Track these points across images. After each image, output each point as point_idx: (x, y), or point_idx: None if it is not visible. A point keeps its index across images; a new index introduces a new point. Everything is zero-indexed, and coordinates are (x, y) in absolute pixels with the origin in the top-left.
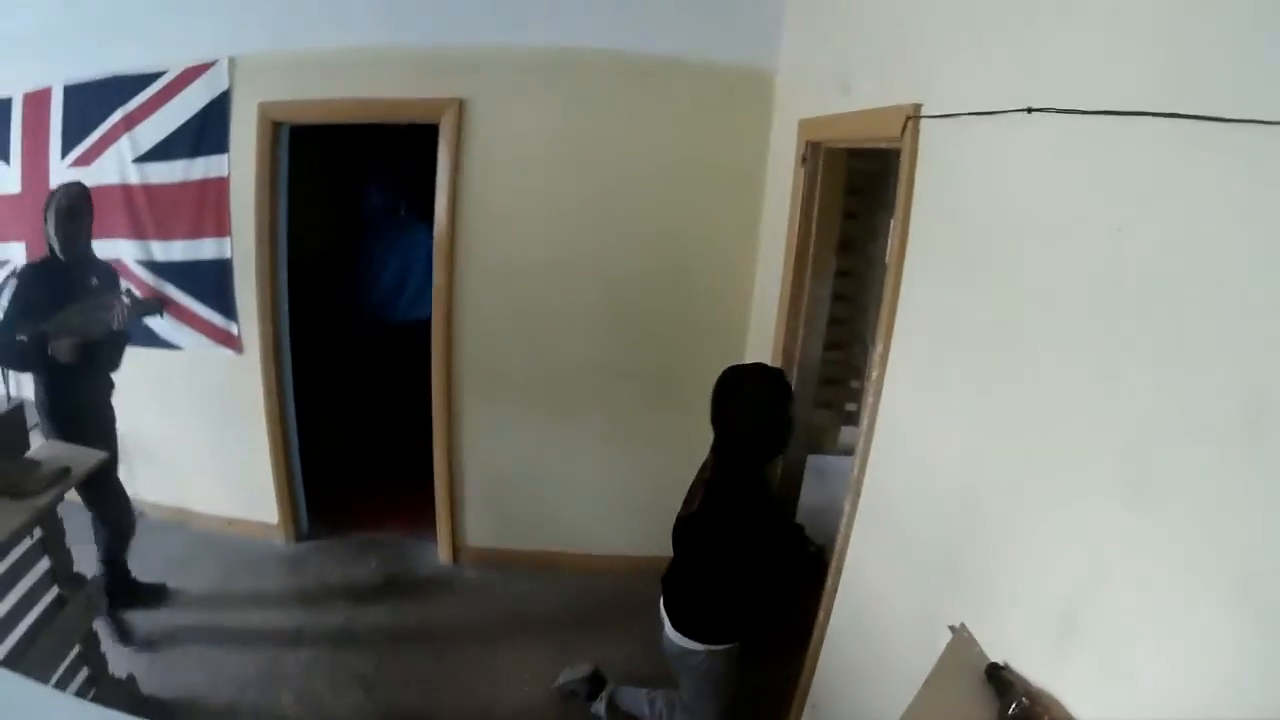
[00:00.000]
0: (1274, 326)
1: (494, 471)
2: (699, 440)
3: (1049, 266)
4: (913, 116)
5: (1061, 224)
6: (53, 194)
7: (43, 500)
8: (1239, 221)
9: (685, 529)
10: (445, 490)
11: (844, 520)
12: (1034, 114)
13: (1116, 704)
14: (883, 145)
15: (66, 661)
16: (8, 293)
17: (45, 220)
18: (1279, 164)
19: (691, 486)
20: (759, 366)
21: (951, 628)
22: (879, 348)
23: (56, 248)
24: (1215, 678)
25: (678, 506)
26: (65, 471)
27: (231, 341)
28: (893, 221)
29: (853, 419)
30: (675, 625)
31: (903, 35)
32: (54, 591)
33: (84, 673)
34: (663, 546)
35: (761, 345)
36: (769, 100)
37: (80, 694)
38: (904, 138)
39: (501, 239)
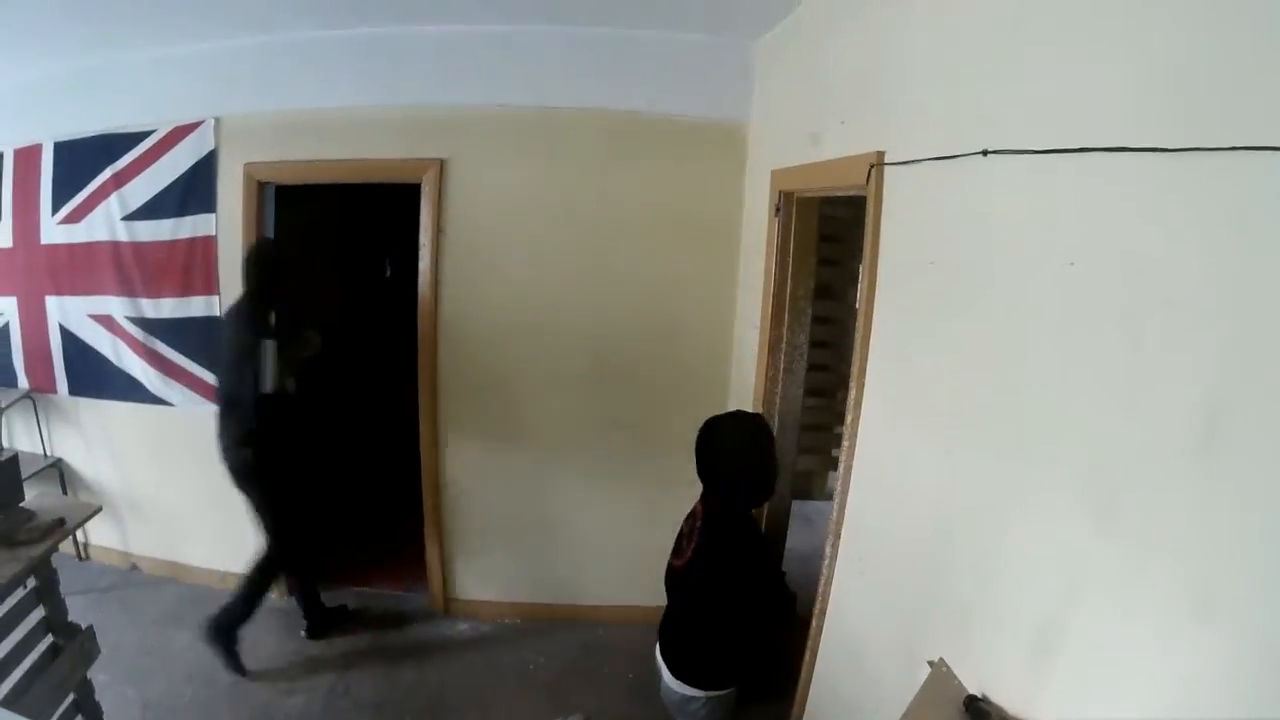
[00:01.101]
0: (1220, 348)
1: (483, 525)
2: (687, 488)
3: (1009, 302)
4: (876, 164)
5: (1019, 260)
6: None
7: (37, 550)
8: (1185, 247)
9: (680, 578)
10: (435, 542)
11: (826, 562)
12: (989, 156)
13: None
14: (851, 193)
15: (60, 710)
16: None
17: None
18: (1221, 188)
19: (680, 535)
20: (737, 413)
21: (930, 662)
22: (853, 391)
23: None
24: (1181, 692)
25: (666, 553)
26: (60, 522)
27: None
28: (861, 267)
29: (836, 464)
30: (675, 673)
31: (867, 87)
32: (48, 640)
33: None
34: (654, 595)
35: (743, 392)
36: (742, 152)
37: None
38: (869, 184)
39: (484, 293)
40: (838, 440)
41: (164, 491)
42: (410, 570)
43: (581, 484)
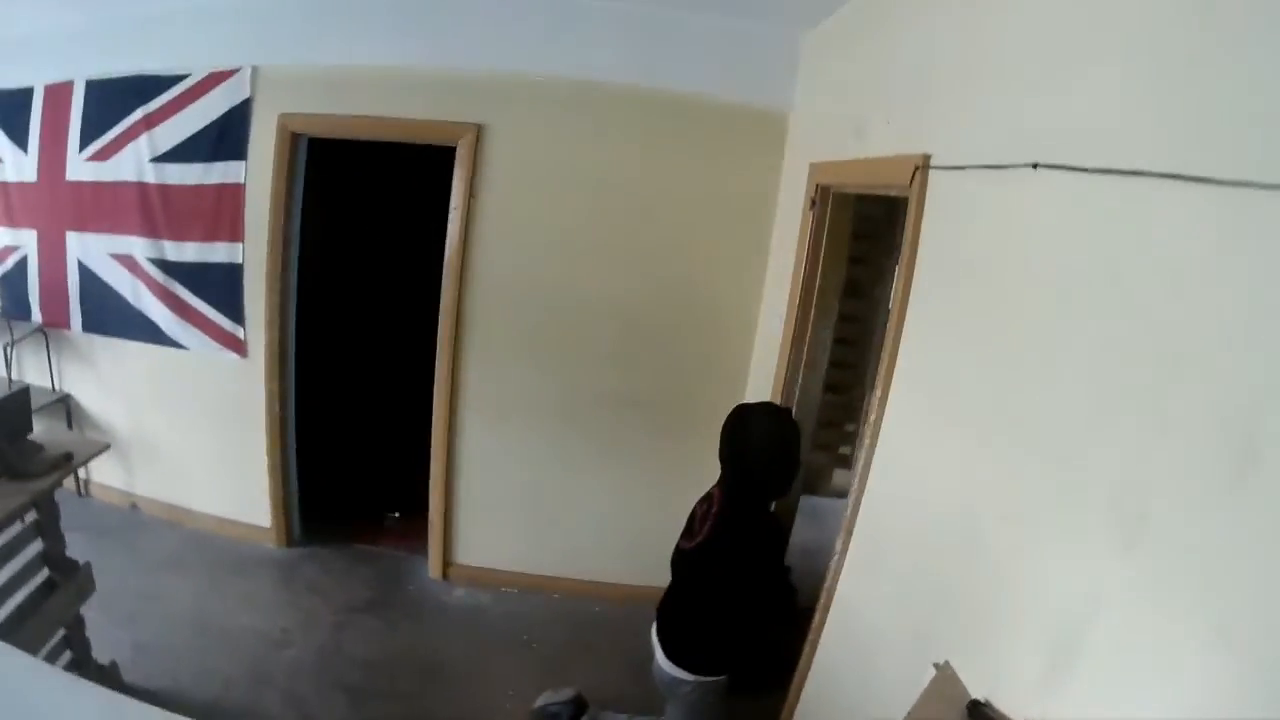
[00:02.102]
0: (1260, 376)
1: (490, 492)
2: (698, 470)
3: (1048, 316)
4: (921, 166)
5: (1061, 275)
6: None
7: (42, 484)
8: (1228, 276)
9: (689, 560)
10: (440, 507)
11: (835, 558)
12: (1039, 170)
13: None
14: (891, 193)
15: (50, 644)
16: None
17: None
18: (1266, 224)
19: (693, 517)
20: (769, 405)
21: (936, 664)
22: (879, 391)
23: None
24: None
25: (672, 536)
26: (67, 457)
27: (237, 346)
28: (897, 267)
29: (846, 462)
30: (668, 654)
31: (916, 88)
32: (44, 574)
33: (67, 656)
34: (655, 576)
35: (763, 382)
36: (781, 141)
37: None
38: (912, 186)
39: (511, 263)
40: (849, 438)
41: (170, 435)
42: (414, 532)
43: (593, 459)
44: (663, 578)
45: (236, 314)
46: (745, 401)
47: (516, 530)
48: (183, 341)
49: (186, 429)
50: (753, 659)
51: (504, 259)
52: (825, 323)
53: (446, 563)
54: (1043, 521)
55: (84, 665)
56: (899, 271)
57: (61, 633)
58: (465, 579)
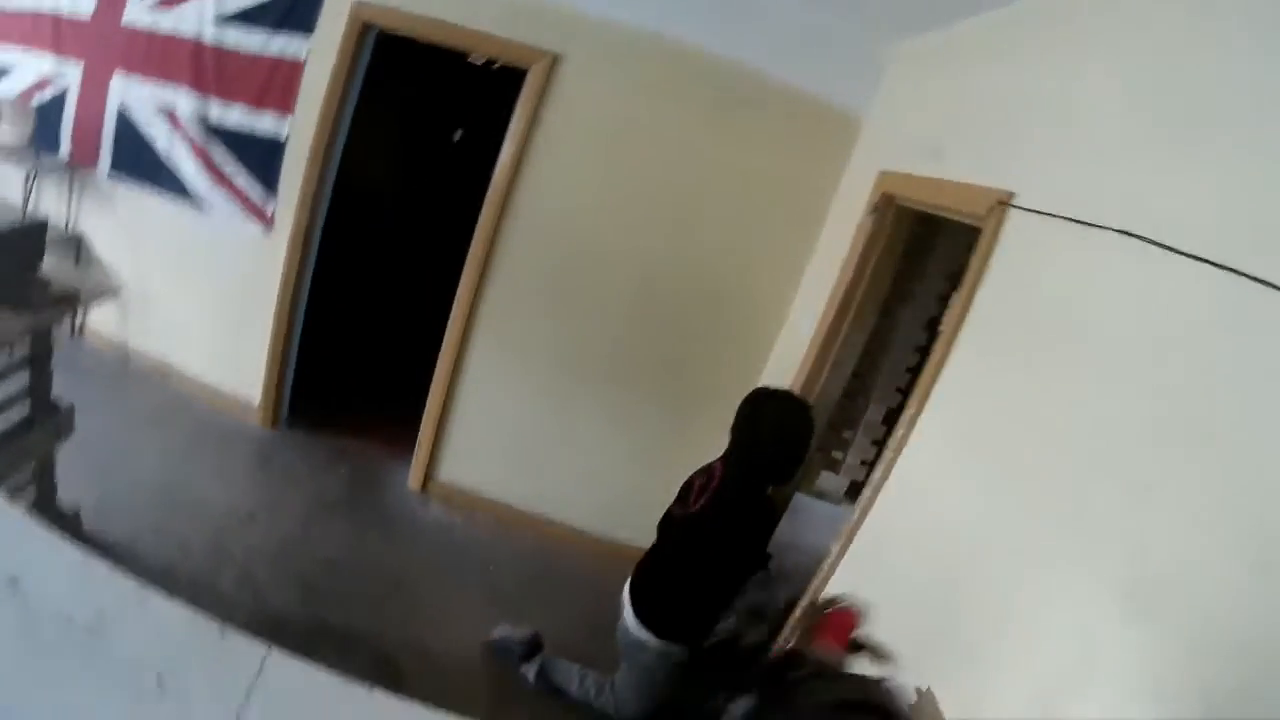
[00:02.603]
0: None
1: (486, 417)
2: (696, 444)
3: (1103, 382)
4: (1003, 202)
5: (1125, 346)
6: None
7: (42, 318)
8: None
9: (680, 527)
10: (433, 420)
11: (829, 560)
12: (1126, 237)
13: None
14: (964, 219)
15: (18, 480)
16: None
17: None
18: None
19: (689, 486)
20: (789, 394)
21: (918, 689)
22: (911, 409)
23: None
24: None
25: (656, 500)
26: (74, 294)
27: (264, 218)
28: (955, 294)
29: (835, 466)
30: (638, 614)
31: (1007, 120)
32: (25, 409)
33: (31, 493)
34: (630, 537)
35: (781, 372)
36: (850, 141)
37: None
38: (987, 219)
39: (556, 200)
40: (844, 443)
41: (176, 294)
42: (401, 438)
43: (595, 410)
44: (639, 541)
45: (269, 188)
46: (767, 385)
47: (503, 461)
48: (208, 204)
49: (194, 291)
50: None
51: (550, 195)
52: (859, 327)
53: (427, 477)
54: (1052, 575)
55: (47, 507)
56: (956, 297)
57: (32, 470)
58: (442, 497)
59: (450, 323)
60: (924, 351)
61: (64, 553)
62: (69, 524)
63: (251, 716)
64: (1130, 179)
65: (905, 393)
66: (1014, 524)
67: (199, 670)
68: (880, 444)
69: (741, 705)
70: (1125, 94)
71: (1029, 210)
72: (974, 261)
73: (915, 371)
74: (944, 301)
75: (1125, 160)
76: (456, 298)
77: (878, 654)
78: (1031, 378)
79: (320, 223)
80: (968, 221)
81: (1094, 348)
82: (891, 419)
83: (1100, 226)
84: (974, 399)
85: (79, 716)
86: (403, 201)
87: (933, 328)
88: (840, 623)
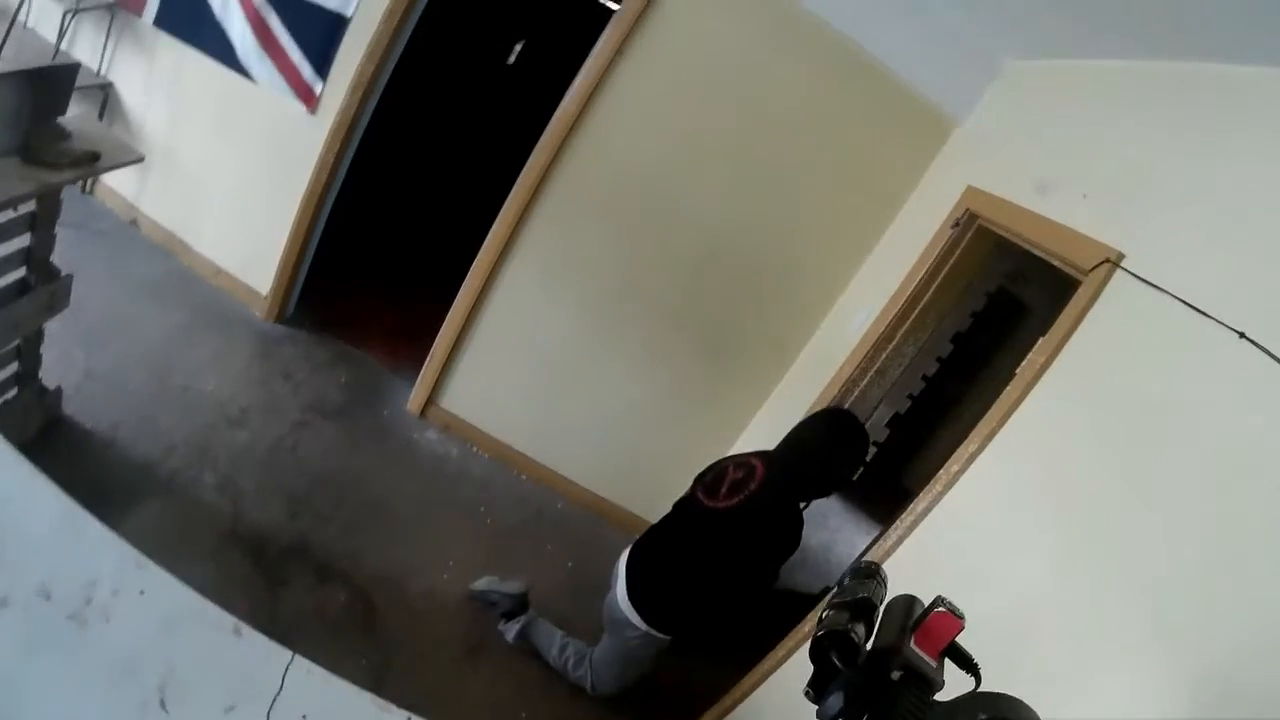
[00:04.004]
0: None
1: (503, 349)
2: (717, 416)
3: (1185, 470)
4: (1113, 262)
5: (1215, 444)
6: None
7: (54, 177)
8: None
9: (705, 520)
10: (449, 340)
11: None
12: (1243, 341)
13: None
14: (1061, 265)
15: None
16: None
17: None
18: None
19: (721, 475)
20: (862, 428)
21: None
22: (972, 445)
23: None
24: None
25: (667, 469)
26: (93, 157)
27: (310, 99)
28: (1041, 339)
29: None
30: (632, 596)
31: (1130, 175)
32: (20, 273)
33: (14, 367)
34: (631, 499)
35: (817, 365)
36: (937, 145)
37: (1, 390)
38: (1090, 275)
39: (624, 137)
40: None
41: (201, 163)
42: (408, 355)
43: (620, 362)
44: (637, 507)
45: (323, 66)
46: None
47: (513, 397)
48: (254, 73)
49: (220, 164)
50: (711, 632)
51: (619, 130)
52: (913, 339)
53: (430, 400)
54: (1100, 652)
55: (27, 383)
56: (1041, 343)
57: (17, 342)
58: (442, 423)
59: (487, 243)
60: (943, 363)
61: (42, 496)
62: (47, 404)
63: None
64: (1258, 279)
65: (915, 400)
66: (1063, 594)
67: (210, 681)
68: (879, 445)
69: (834, 702)
70: (1271, 191)
71: (1139, 278)
72: (1066, 315)
73: (930, 382)
74: (975, 316)
75: (1257, 258)
76: (499, 217)
77: (970, 668)
78: (1114, 452)
79: (368, 114)
80: (1062, 268)
81: (1190, 441)
82: (896, 424)
83: (1216, 320)
84: (1043, 454)
85: None
86: (456, 110)
87: (958, 342)
88: (942, 625)
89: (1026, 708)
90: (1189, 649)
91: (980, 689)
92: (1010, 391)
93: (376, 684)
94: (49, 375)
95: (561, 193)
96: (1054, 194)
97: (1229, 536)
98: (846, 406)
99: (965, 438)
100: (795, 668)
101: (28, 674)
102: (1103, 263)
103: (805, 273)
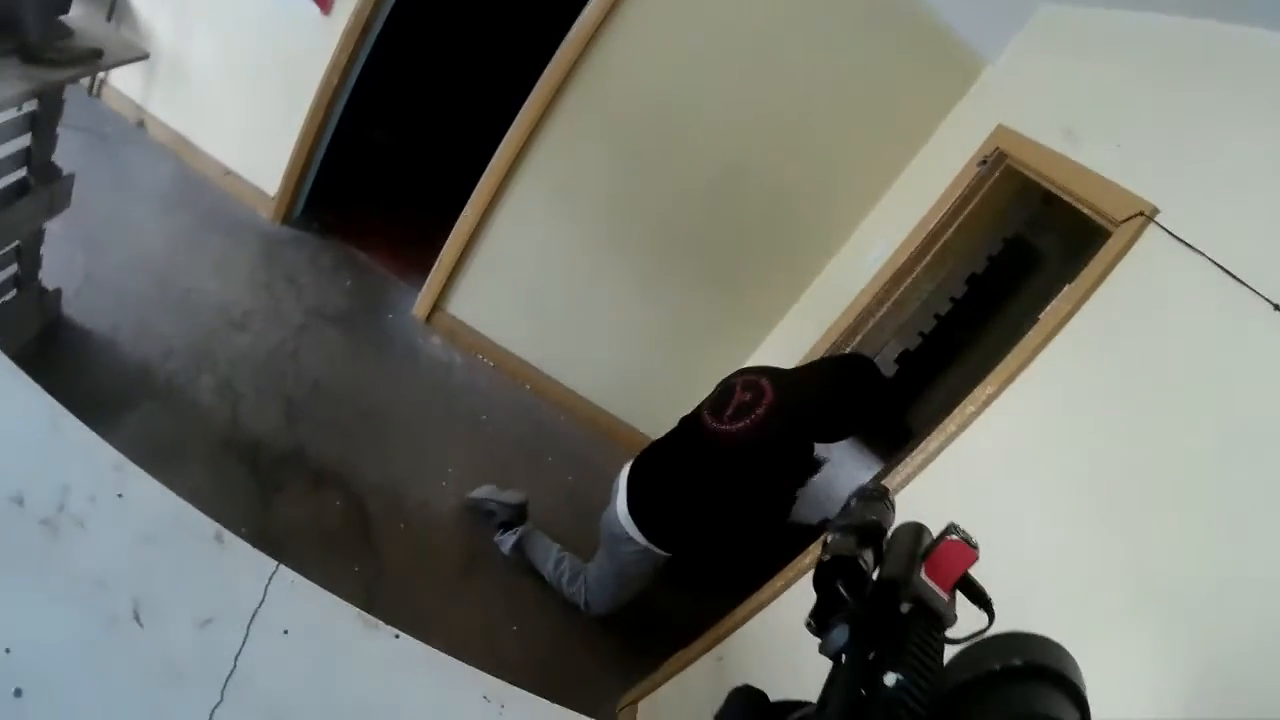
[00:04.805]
0: None
1: (512, 258)
2: (722, 336)
3: (1203, 442)
4: (1146, 216)
5: (1237, 418)
6: None
7: (56, 75)
8: None
9: (710, 441)
10: (457, 246)
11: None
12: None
13: None
14: (1091, 215)
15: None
16: None
17: None
18: None
19: (728, 391)
20: (887, 382)
21: None
22: (989, 387)
23: None
24: None
25: (670, 388)
26: (96, 54)
27: (324, 0)
28: (1068, 287)
29: None
30: (633, 512)
31: (1166, 130)
32: (20, 174)
33: (13, 269)
34: (632, 415)
35: (832, 294)
36: (966, 84)
37: (1, 289)
38: (1120, 227)
39: (641, 58)
40: None
41: (210, 65)
42: (414, 262)
43: (629, 279)
44: (639, 423)
45: None
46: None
47: (520, 307)
48: None
49: (230, 66)
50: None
51: (636, 51)
52: (930, 276)
53: (435, 307)
54: (1100, 615)
55: (26, 285)
56: (1067, 290)
57: (16, 243)
58: (447, 330)
59: (498, 154)
60: (957, 303)
61: (23, 396)
62: (46, 306)
63: (253, 660)
64: None
65: (926, 337)
66: (1067, 549)
67: (187, 593)
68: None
69: (839, 635)
70: None
71: (1172, 236)
72: (1093, 267)
73: (942, 320)
74: (991, 260)
75: None
76: (511, 130)
77: (982, 602)
78: (1132, 414)
79: (383, 18)
80: (1092, 216)
81: (1210, 412)
82: (905, 359)
83: (1250, 288)
84: (1061, 405)
85: (19, 649)
86: (470, 21)
87: (973, 282)
88: (954, 556)
89: (1064, 651)
90: (1192, 629)
91: (993, 628)
92: (1032, 337)
93: (368, 594)
94: (49, 277)
95: (575, 110)
96: (1085, 143)
97: (1244, 516)
98: (861, 336)
99: (972, 381)
100: (792, 599)
101: None
102: (1136, 215)
103: (822, 202)
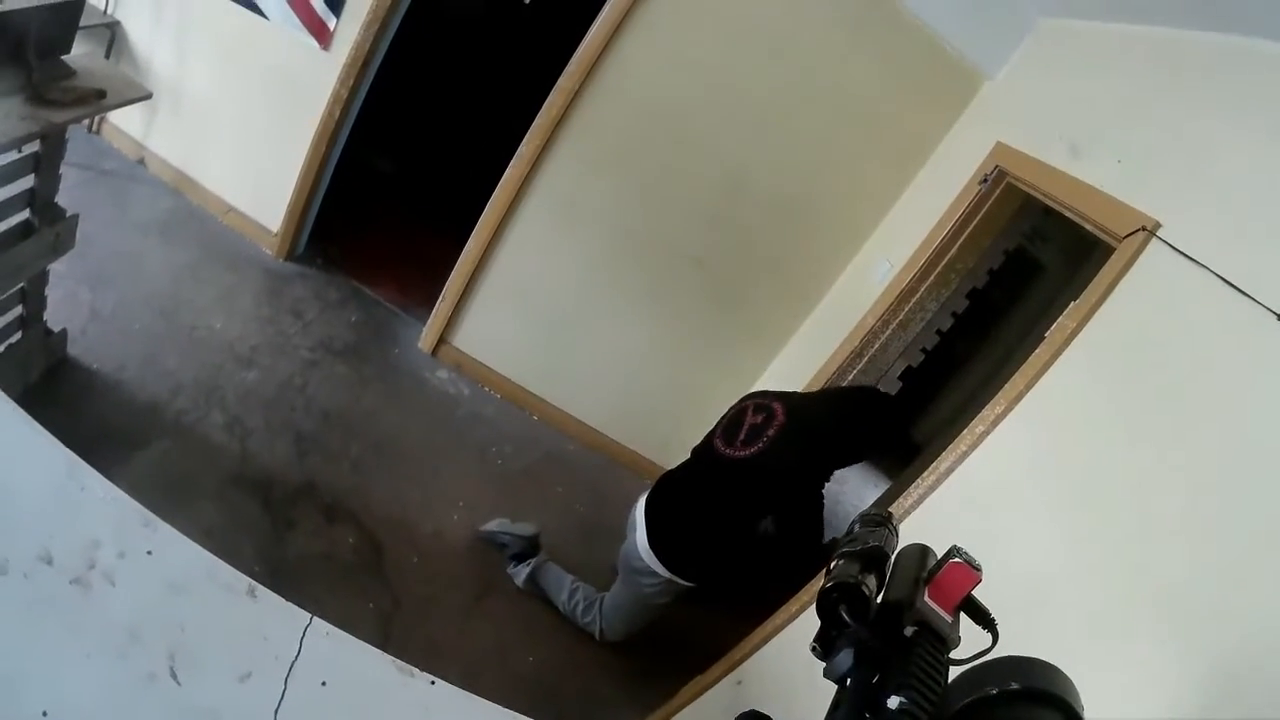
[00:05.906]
0: None
1: (517, 288)
2: (729, 364)
3: (1209, 455)
4: (1150, 230)
5: (1242, 431)
6: None
7: (59, 116)
8: None
9: (724, 468)
10: (463, 278)
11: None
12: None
13: None
14: (1093, 230)
15: (5, 294)
16: None
17: None
18: None
19: (740, 418)
20: (893, 409)
21: None
22: (998, 406)
23: None
24: None
25: (679, 414)
26: (99, 94)
27: (323, 35)
28: (1072, 304)
29: None
30: (653, 544)
31: (1168, 145)
32: (24, 215)
33: (18, 311)
34: (642, 442)
35: (838, 314)
36: (965, 101)
37: (6, 333)
38: (1122, 243)
39: (647, 79)
40: None
41: (210, 101)
42: (419, 294)
43: (636, 304)
44: (652, 450)
45: (336, 1)
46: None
47: (526, 337)
48: (265, 9)
49: (230, 101)
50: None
51: (641, 73)
52: (935, 294)
53: (441, 339)
54: (1106, 628)
55: (32, 326)
56: (1072, 307)
57: (22, 285)
58: (453, 362)
59: (502, 183)
60: (959, 319)
61: (43, 451)
62: (53, 347)
63: (293, 712)
64: None
65: (929, 353)
66: (1078, 569)
67: (223, 648)
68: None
69: (843, 660)
70: None
71: (1177, 250)
72: (1097, 282)
73: (944, 336)
74: (992, 275)
75: None
76: (515, 157)
77: (985, 622)
78: (1138, 429)
79: (383, 51)
80: (1094, 232)
81: (1216, 425)
82: (909, 376)
83: (1254, 299)
84: (1068, 421)
85: (56, 713)
86: (472, 49)
87: (974, 297)
88: (958, 578)
89: (1062, 675)
90: (1198, 644)
91: (996, 650)
92: (1039, 355)
93: (384, 626)
94: (54, 316)
95: (580, 134)
96: (1086, 157)
97: (1249, 530)
98: (866, 358)
99: (975, 395)
100: (812, 619)
101: (29, 644)
102: (1138, 230)
103: (828, 222)
